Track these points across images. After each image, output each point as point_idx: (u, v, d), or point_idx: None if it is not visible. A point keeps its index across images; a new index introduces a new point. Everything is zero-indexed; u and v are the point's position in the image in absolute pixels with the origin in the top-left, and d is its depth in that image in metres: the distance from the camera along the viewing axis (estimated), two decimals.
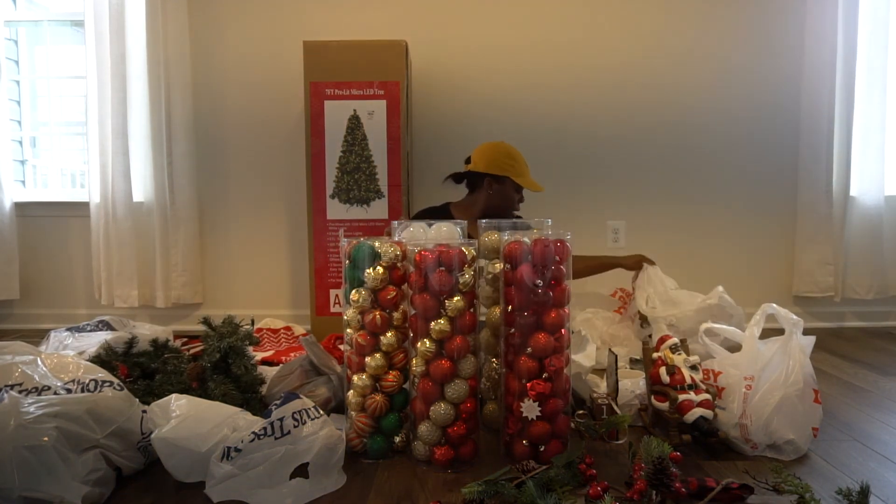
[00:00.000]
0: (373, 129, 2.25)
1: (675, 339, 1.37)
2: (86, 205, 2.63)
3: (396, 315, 1.25)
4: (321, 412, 1.24)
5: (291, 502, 1.06)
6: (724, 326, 1.47)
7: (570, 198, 2.69)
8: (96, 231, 2.61)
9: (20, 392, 1.09)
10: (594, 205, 2.70)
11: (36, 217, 2.75)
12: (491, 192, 2.10)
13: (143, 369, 1.49)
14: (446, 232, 1.32)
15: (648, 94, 2.65)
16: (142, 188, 2.60)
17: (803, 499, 1.01)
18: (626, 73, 2.64)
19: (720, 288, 1.87)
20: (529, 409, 1.17)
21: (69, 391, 1.13)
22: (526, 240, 1.21)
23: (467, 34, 2.64)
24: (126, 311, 2.63)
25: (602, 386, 1.53)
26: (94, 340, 1.65)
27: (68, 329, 1.78)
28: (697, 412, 1.25)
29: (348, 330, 1.26)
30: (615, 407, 1.37)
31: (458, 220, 1.35)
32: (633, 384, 1.52)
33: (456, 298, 1.18)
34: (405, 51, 2.26)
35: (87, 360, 1.34)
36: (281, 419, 1.17)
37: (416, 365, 1.21)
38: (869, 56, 2.52)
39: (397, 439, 1.27)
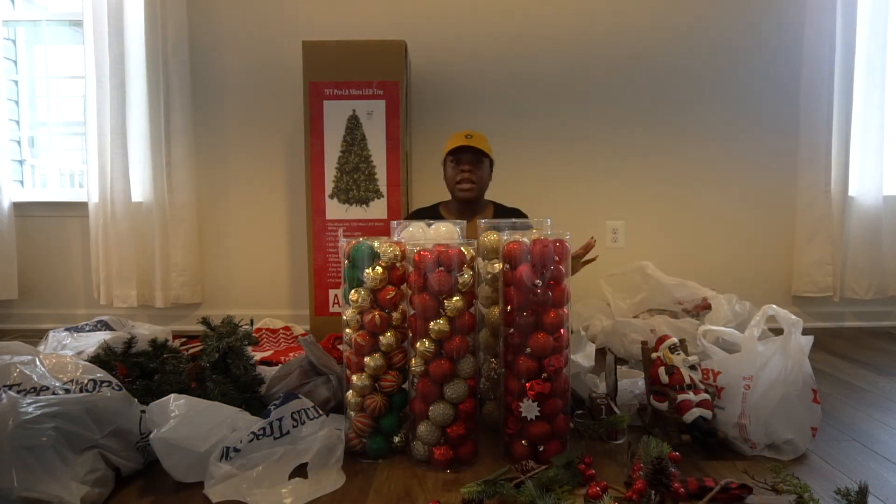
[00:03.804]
0: (372, 129, 2.25)
1: (674, 340, 1.37)
2: (84, 205, 2.63)
3: (396, 315, 1.25)
4: (320, 412, 1.24)
5: (291, 502, 1.06)
6: (723, 328, 1.48)
7: (570, 198, 2.69)
8: (95, 231, 2.61)
9: (19, 392, 1.09)
10: (594, 205, 2.70)
11: (35, 217, 2.74)
12: (445, 179, 2.05)
13: (141, 369, 1.49)
14: (445, 232, 1.32)
15: (649, 94, 2.65)
16: (140, 188, 2.60)
17: (802, 499, 1.01)
18: (626, 74, 2.65)
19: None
20: (529, 409, 1.17)
21: (68, 391, 1.13)
22: (525, 240, 1.21)
23: (467, 34, 2.64)
24: (125, 311, 2.63)
25: (601, 386, 1.53)
26: (93, 340, 1.65)
27: (67, 329, 1.78)
28: (696, 412, 1.25)
29: (347, 330, 1.26)
30: (614, 407, 1.37)
31: (458, 221, 1.35)
32: (632, 384, 1.52)
33: (455, 298, 1.18)
34: (405, 51, 2.26)
35: (86, 361, 1.34)
36: (280, 419, 1.17)
37: (416, 365, 1.21)
38: (868, 56, 2.53)
39: (397, 439, 1.27)
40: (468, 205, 2.04)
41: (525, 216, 2.08)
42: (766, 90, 2.65)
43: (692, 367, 1.33)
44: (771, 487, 1.08)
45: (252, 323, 1.65)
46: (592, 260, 1.84)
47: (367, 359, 1.23)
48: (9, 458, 0.95)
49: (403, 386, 1.27)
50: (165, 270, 2.62)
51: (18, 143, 2.84)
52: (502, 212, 2.10)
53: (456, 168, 1.98)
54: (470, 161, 1.96)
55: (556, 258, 1.20)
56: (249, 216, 2.73)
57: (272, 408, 1.19)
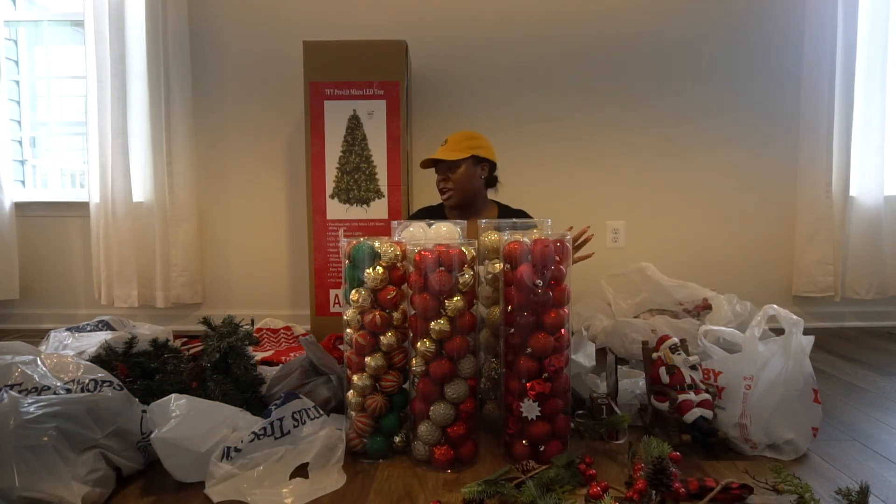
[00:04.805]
0: (373, 129, 2.25)
1: (675, 340, 1.37)
2: (85, 205, 2.63)
3: (396, 315, 1.25)
4: (321, 412, 1.24)
5: (291, 502, 1.06)
6: (724, 328, 1.47)
7: (570, 198, 2.69)
8: (96, 231, 2.61)
9: (20, 392, 1.09)
10: (594, 205, 2.70)
11: (36, 217, 2.75)
12: None
13: (142, 369, 1.49)
14: (446, 232, 1.32)
15: (650, 96, 2.65)
16: (141, 188, 2.61)
17: (803, 499, 1.01)
18: (628, 76, 2.65)
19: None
20: (529, 409, 1.17)
21: (69, 391, 1.13)
22: (526, 240, 1.21)
23: (467, 34, 2.64)
24: (126, 311, 2.63)
25: (602, 386, 1.53)
26: (94, 340, 1.65)
27: (68, 329, 1.78)
28: (697, 412, 1.25)
29: (348, 330, 1.26)
30: (615, 407, 1.37)
31: (458, 220, 1.35)
32: (632, 384, 1.52)
33: (456, 298, 1.18)
34: (405, 51, 2.26)
35: (87, 360, 1.34)
36: (281, 419, 1.17)
37: (416, 365, 1.21)
38: (868, 56, 2.52)
39: (397, 439, 1.27)
40: (467, 206, 2.05)
41: (530, 218, 2.08)
42: (767, 90, 2.65)
43: (693, 367, 1.33)
44: (772, 487, 1.08)
45: (253, 323, 1.65)
46: (588, 256, 1.81)
47: (367, 359, 1.23)
48: (10, 458, 0.95)
49: (404, 386, 1.27)
50: (166, 270, 2.62)
51: (20, 143, 2.85)
52: (507, 213, 2.10)
53: (437, 178, 2.06)
54: (442, 169, 2.03)
55: (557, 258, 1.20)
56: (250, 216, 2.73)
57: (273, 408, 1.20)
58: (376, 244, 1.25)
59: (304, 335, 1.94)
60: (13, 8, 2.79)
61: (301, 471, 1.14)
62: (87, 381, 1.16)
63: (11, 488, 0.94)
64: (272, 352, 2.03)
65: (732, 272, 2.68)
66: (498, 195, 2.20)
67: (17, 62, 2.83)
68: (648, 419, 1.40)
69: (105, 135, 2.56)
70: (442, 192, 2.05)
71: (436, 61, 2.65)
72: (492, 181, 2.13)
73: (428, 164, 2.07)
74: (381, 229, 2.24)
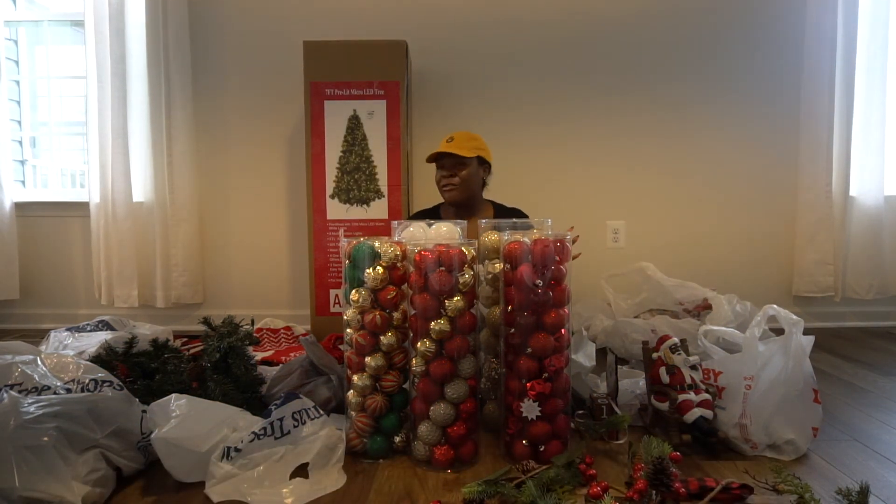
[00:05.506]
0: (373, 129, 2.25)
1: (675, 340, 1.37)
2: (86, 205, 2.63)
3: (396, 315, 1.25)
4: (321, 412, 1.25)
5: (292, 502, 1.06)
6: (724, 328, 1.48)
7: (570, 198, 2.69)
8: (96, 231, 2.61)
9: (20, 392, 1.09)
10: (594, 205, 2.70)
11: (36, 217, 2.75)
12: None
13: (143, 369, 1.49)
14: (446, 232, 1.32)
15: (650, 96, 2.65)
16: (142, 188, 2.61)
17: (803, 499, 1.01)
18: (628, 76, 2.65)
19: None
20: (529, 409, 1.17)
21: (69, 391, 1.13)
22: (526, 240, 1.21)
23: (467, 34, 2.64)
24: (126, 311, 2.63)
25: (602, 386, 1.53)
26: (94, 340, 1.65)
27: (68, 329, 1.78)
28: (697, 412, 1.25)
29: (348, 330, 1.26)
30: (615, 407, 1.37)
31: (458, 220, 1.36)
32: (633, 384, 1.52)
33: (456, 298, 1.18)
34: (405, 51, 2.26)
35: (87, 360, 1.34)
36: (281, 419, 1.17)
37: (417, 365, 1.21)
38: (869, 56, 2.52)
39: (397, 439, 1.27)
40: (465, 205, 2.06)
41: (525, 216, 2.09)
42: (767, 90, 2.65)
43: (693, 367, 1.33)
44: (772, 487, 1.08)
45: (253, 323, 1.65)
46: (575, 256, 1.80)
47: (367, 359, 1.23)
48: (10, 458, 0.95)
49: (404, 386, 1.27)
50: (166, 270, 2.62)
51: (20, 143, 2.85)
52: (502, 212, 2.11)
53: (439, 173, 2.05)
54: (450, 165, 2.02)
55: (557, 258, 1.20)
56: (250, 216, 2.73)
57: (273, 408, 1.20)
58: (376, 244, 1.25)
59: (304, 335, 1.94)
60: (13, 8, 2.79)
61: (301, 471, 1.14)
62: (87, 381, 1.16)
63: (12, 488, 0.94)
64: (272, 352, 2.03)
65: (732, 272, 2.68)
66: (494, 194, 2.20)
67: (17, 62, 2.83)
68: (648, 419, 1.40)
69: (105, 135, 2.56)
70: (446, 185, 2.02)
71: (436, 61, 2.65)
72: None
73: (435, 157, 2.04)
74: (381, 229, 2.24)
